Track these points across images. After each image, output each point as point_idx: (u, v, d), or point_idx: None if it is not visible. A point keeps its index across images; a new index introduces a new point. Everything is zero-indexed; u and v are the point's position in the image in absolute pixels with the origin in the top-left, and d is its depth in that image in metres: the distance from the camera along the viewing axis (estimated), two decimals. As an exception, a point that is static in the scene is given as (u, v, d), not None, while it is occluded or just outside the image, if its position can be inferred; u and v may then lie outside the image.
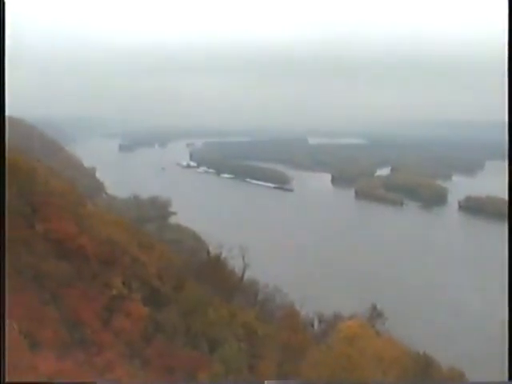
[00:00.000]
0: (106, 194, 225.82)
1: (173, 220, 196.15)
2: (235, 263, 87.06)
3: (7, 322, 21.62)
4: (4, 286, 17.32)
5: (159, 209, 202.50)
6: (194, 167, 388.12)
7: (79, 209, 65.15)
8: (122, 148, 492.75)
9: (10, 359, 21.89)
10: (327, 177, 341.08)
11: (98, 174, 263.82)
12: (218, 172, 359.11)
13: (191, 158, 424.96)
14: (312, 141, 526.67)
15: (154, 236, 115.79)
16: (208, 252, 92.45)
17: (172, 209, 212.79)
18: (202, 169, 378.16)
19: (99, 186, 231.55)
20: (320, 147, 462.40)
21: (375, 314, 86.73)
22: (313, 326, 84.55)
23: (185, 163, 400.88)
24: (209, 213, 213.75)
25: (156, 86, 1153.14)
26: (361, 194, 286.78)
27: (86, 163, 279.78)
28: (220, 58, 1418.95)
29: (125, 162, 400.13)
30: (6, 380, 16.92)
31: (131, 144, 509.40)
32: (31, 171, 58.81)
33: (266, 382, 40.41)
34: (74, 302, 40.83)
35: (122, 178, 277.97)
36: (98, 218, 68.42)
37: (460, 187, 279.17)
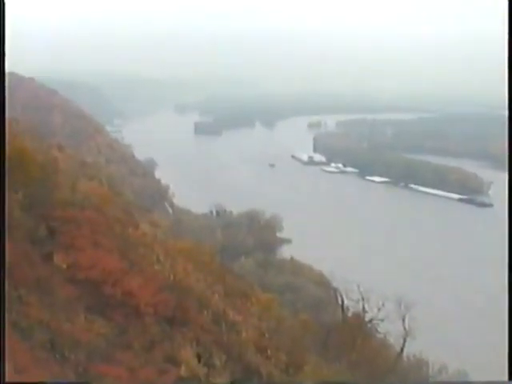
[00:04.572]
0: (173, 205, 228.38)
1: (284, 252, 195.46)
2: (389, 328, 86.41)
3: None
4: (4, 286, 21.55)
5: (261, 232, 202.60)
6: (320, 163, 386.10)
7: (127, 230, 65.85)
8: (199, 128, 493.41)
9: None
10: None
11: (158, 173, 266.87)
12: (362, 172, 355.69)
13: (316, 147, 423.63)
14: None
15: (253, 278, 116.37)
16: (342, 308, 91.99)
17: (283, 233, 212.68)
18: (334, 166, 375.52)
19: (161, 193, 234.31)
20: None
21: None
22: None
23: (305, 156, 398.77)
24: (345, 242, 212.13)
25: (255, 29, 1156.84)
26: None
27: (140, 153, 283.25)
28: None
29: (204, 151, 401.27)
30: (6, 380, 19.50)
31: (215, 122, 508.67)
32: (49, 167, 59.59)
33: None
34: (115, 386, 41.02)
35: (198, 179, 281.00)
36: (159, 247, 69.03)
37: None
